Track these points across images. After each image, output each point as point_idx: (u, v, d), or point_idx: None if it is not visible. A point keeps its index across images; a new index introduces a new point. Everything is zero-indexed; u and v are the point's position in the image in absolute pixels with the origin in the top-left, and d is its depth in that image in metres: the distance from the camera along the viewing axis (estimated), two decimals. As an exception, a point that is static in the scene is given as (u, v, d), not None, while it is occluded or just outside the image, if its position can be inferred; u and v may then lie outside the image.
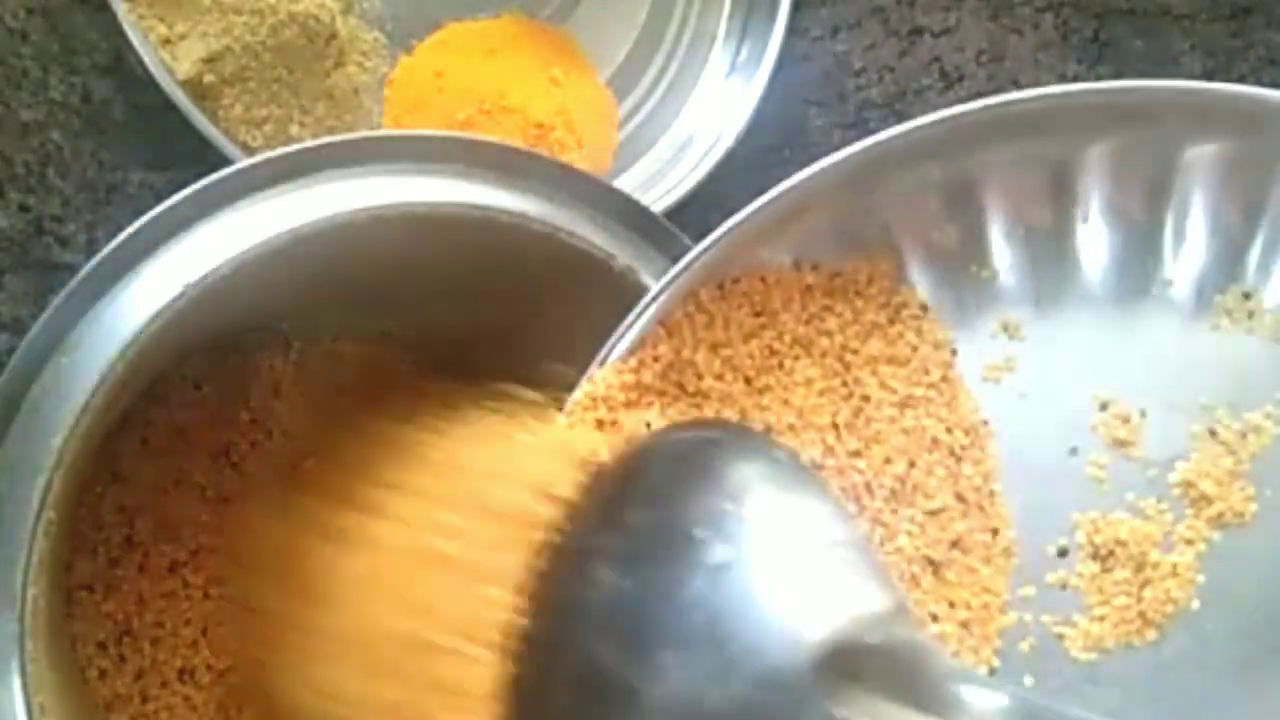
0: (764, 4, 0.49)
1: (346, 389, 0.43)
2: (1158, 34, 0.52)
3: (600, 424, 0.34)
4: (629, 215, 0.39)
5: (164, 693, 0.40)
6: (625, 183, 0.48)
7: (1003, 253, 0.36)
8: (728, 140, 0.48)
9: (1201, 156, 0.34)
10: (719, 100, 0.50)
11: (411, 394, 0.43)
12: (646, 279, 0.38)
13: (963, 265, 0.36)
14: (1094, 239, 0.35)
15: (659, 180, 0.48)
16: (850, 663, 0.28)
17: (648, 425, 0.34)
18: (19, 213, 0.42)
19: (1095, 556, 0.34)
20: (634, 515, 0.32)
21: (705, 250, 0.34)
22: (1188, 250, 0.35)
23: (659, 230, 0.39)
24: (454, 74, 0.46)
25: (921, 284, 0.36)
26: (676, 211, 0.46)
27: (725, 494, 0.31)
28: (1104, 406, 0.35)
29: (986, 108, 0.34)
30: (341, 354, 0.43)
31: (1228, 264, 0.35)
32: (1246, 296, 0.35)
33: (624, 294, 0.38)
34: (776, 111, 0.49)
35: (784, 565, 0.30)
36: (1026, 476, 0.35)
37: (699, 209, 0.48)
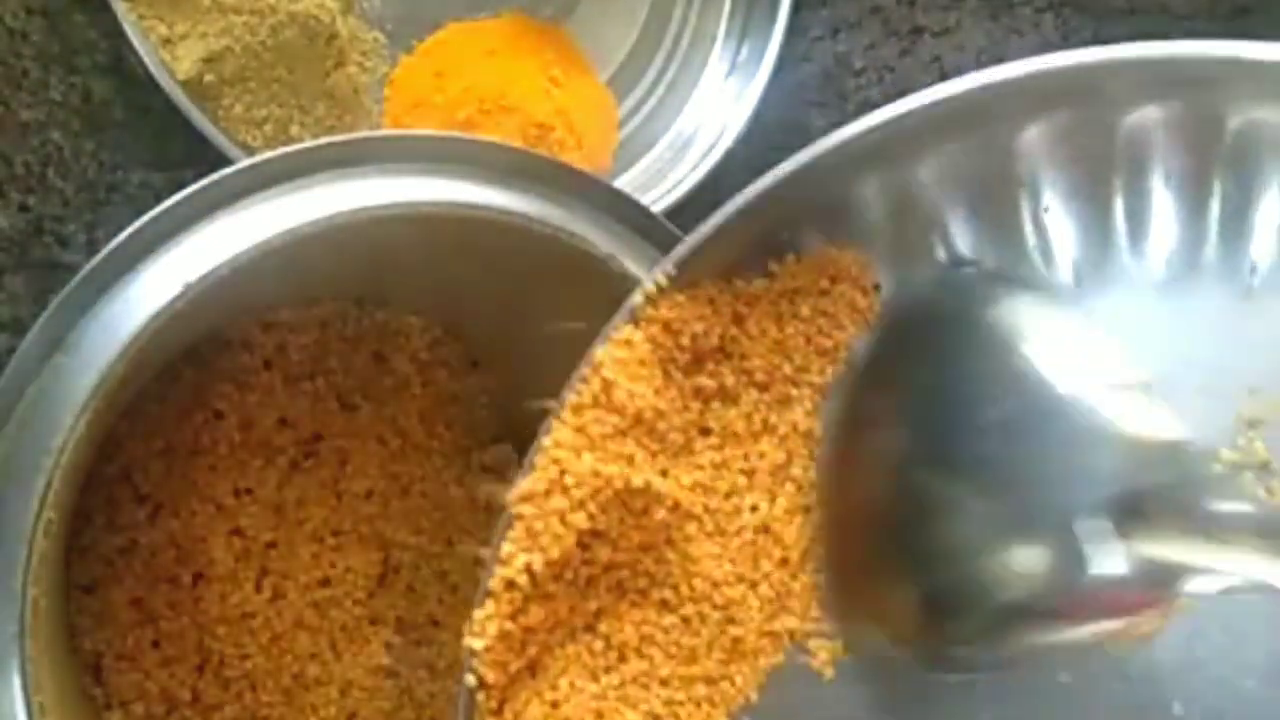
0: (764, 4, 0.49)
1: (345, 389, 0.43)
2: (1158, 34, 0.51)
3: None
4: (629, 215, 0.39)
5: (164, 693, 0.40)
6: (625, 183, 0.48)
7: (1044, 232, 0.35)
8: (728, 140, 0.48)
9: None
10: (719, 100, 0.50)
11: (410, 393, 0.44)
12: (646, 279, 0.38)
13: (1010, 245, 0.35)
14: (1143, 214, 0.35)
15: (659, 180, 0.48)
16: (1143, 502, 0.30)
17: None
18: (19, 213, 0.42)
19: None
20: (916, 376, 0.34)
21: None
22: (1226, 225, 0.34)
23: (659, 230, 0.39)
24: (454, 74, 0.46)
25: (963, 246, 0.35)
26: (676, 211, 0.46)
27: (1000, 346, 0.33)
28: (1146, 390, 0.33)
29: (1030, 74, 0.33)
30: (341, 354, 0.43)
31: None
32: None
33: (624, 294, 0.38)
34: (776, 111, 0.49)
35: (1069, 413, 0.31)
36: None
37: (699, 209, 0.48)
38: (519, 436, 0.45)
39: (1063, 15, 0.51)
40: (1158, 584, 0.31)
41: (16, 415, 0.34)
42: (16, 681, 0.33)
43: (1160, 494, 0.31)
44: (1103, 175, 0.34)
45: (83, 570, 0.39)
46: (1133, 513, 0.30)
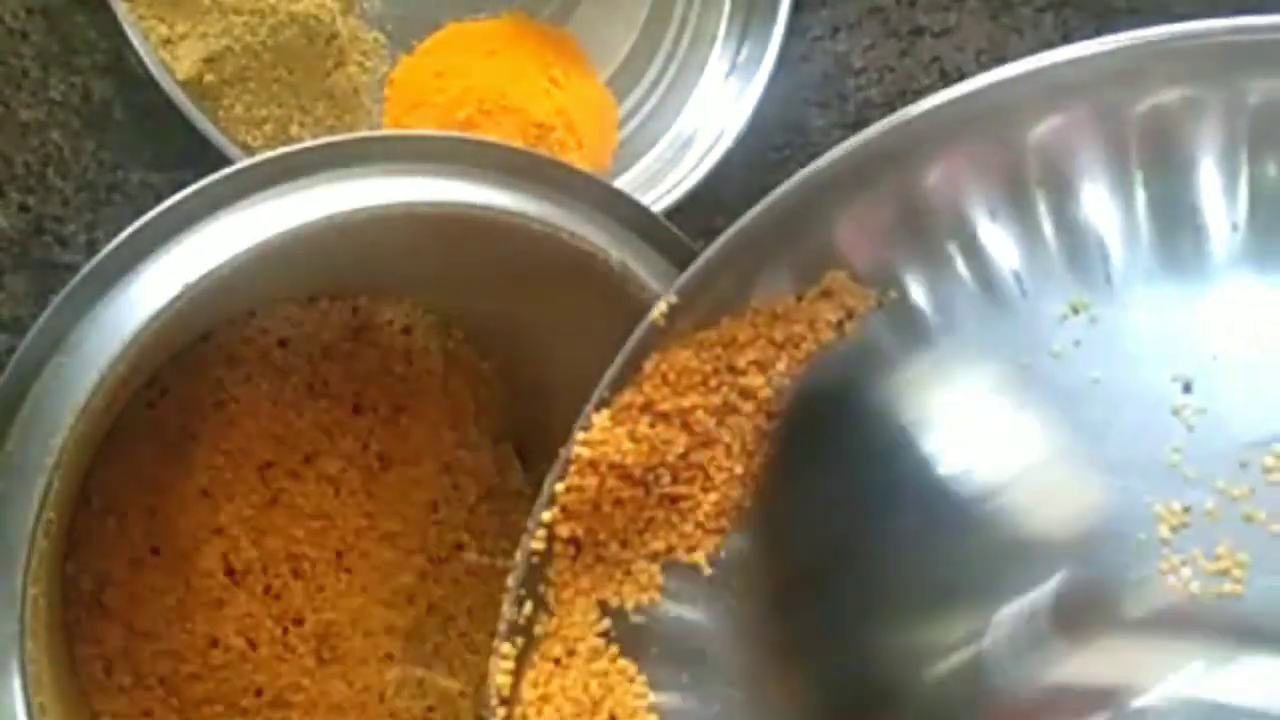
0: (764, 4, 0.49)
1: (345, 389, 0.43)
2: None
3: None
4: (629, 215, 0.39)
5: (164, 693, 0.40)
6: (625, 183, 0.48)
7: (1064, 228, 0.34)
8: (728, 140, 0.48)
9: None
10: (719, 100, 0.50)
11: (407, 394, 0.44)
12: (646, 280, 0.38)
13: (1031, 241, 0.34)
14: (1159, 208, 0.34)
15: (659, 180, 0.48)
16: (1062, 609, 0.32)
17: None
18: (19, 213, 0.42)
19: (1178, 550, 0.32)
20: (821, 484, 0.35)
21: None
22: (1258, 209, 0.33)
23: (659, 230, 0.39)
24: (454, 74, 0.46)
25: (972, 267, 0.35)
26: (676, 211, 0.46)
27: (899, 449, 0.34)
28: (1187, 388, 0.32)
29: (1035, 70, 0.33)
30: (341, 353, 0.43)
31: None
32: None
33: (624, 294, 0.38)
34: (776, 111, 0.49)
35: (976, 522, 0.33)
36: (1104, 464, 0.33)
37: (699, 209, 0.48)
38: (520, 436, 0.45)
39: (1063, 15, 0.51)
40: (1088, 695, 0.31)
41: (17, 415, 0.34)
42: (16, 681, 0.33)
43: (1077, 597, 0.30)
44: (1124, 158, 0.33)
45: (83, 570, 0.39)
46: (1054, 618, 0.30)
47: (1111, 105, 0.33)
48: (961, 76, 0.50)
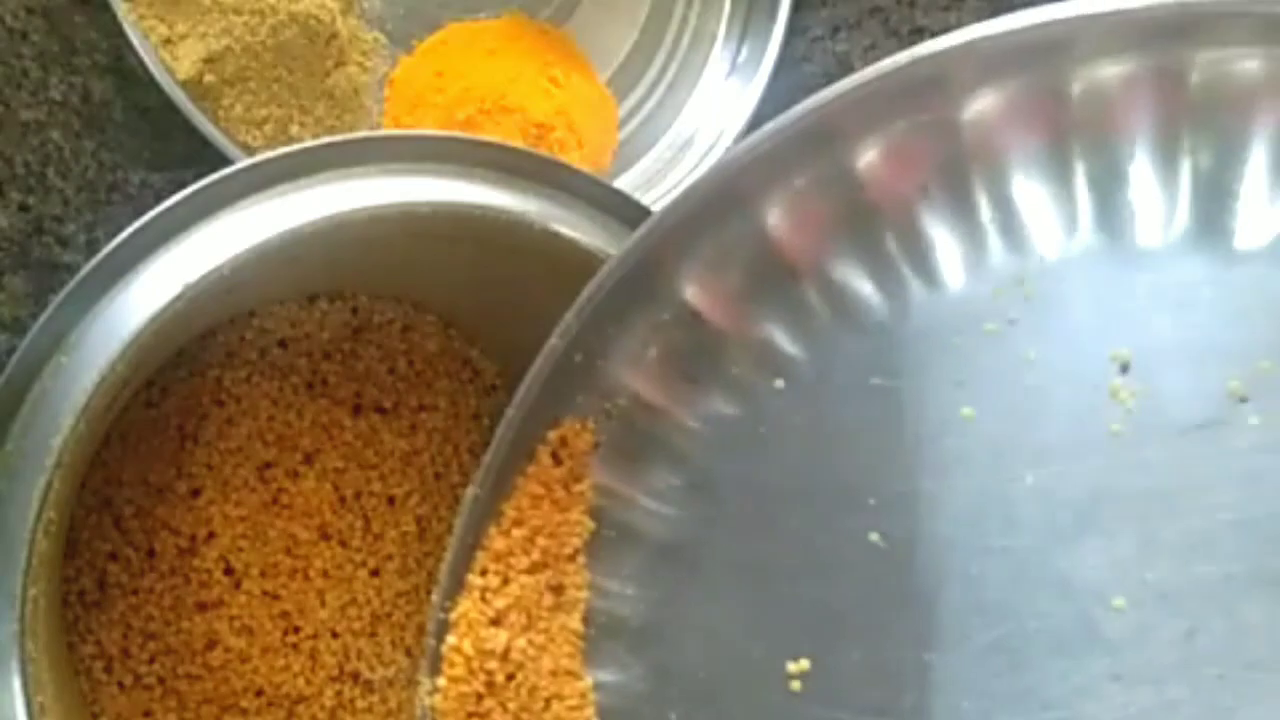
0: (764, 4, 0.49)
1: (345, 389, 0.43)
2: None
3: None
4: (629, 215, 0.39)
5: (163, 692, 0.40)
6: (625, 183, 0.48)
7: (1000, 206, 0.34)
8: (728, 140, 0.48)
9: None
10: (719, 100, 0.50)
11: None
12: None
13: (963, 218, 0.34)
14: (1110, 182, 0.33)
15: (659, 180, 0.48)
16: None
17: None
18: (19, 213, 0.42)
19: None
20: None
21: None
22: (1201, 188, 0.33)
23: (659, 230, 0.39)
24: (454, 74, 0.46)
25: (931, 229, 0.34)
26: (676, 211, 0.46)
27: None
28: (1124, 368, 0.32)
29: (966, 43, 0.32)
30: (341, 353, 0.43)
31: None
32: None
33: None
34: (776, 111, 0.49)
35: None
36: (1039, 447, 0.33)
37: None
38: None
39: (1063, 15, 0.51)
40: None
41: (17, 415, 0.34)
42: (16, 681, 0.33)
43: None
44: (1062, 142, 0.33)
45: (83, 570, 0.39)
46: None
47: (1048, 79, 0.32)
48: (961, 76, 0.51)
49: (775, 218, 0.34)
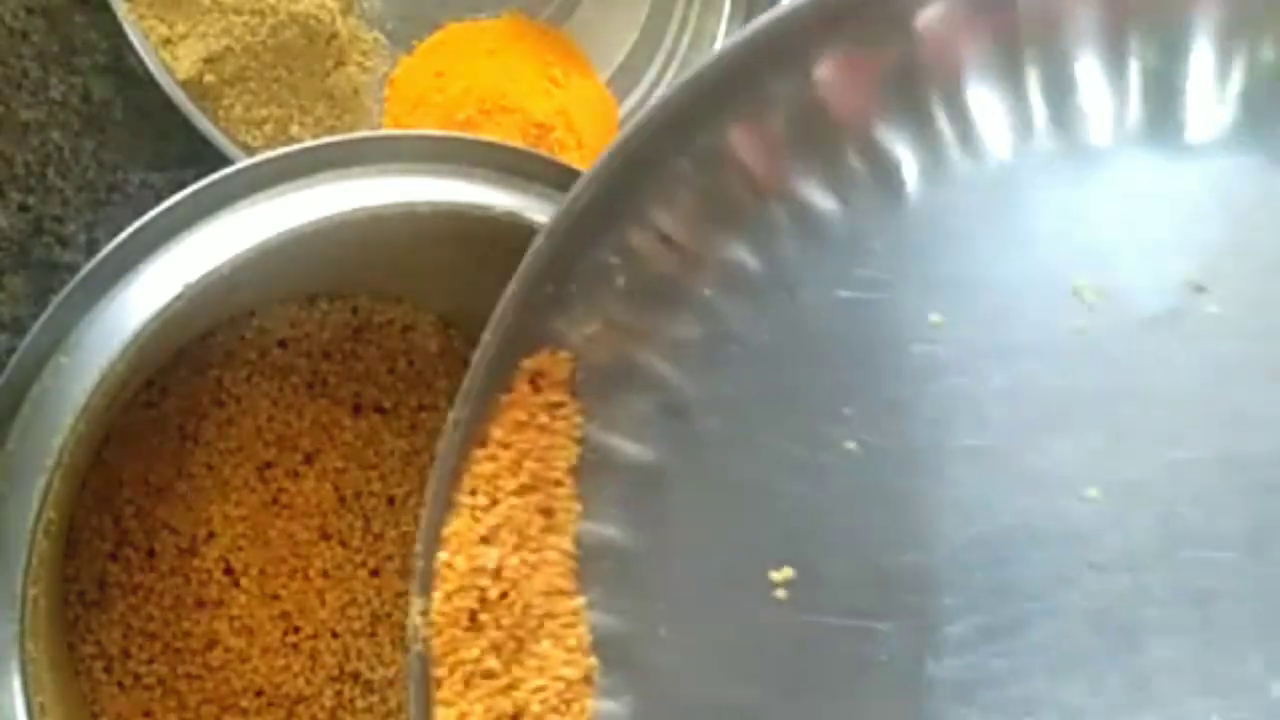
0: (764, 4, 0.49)
1: (345, 389, 0.43)
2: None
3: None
4: (629, 215, 0.39)
5: (163, 692, 0.40)
6: (625, 183, 0.48)
7: (956, 118, 0.34)
8: (728, 140, 0.48)
9: None
10: (719, 100, 0.50)
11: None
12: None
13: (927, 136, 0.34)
14: (1061, 84, 0.34)
15: (659, 180, 0.48)
16: None
17: None
18: (19, 213, 0.42)
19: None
20: None
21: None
22: (1151, 84, 0.34)
23: (659, 230, 0.39)
24: (454, 74, 0.46)
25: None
26: (676, 211, 0.46)
27: None
28: (1084, 266, 0.33)
29: None
30: (341, 354, 0.43)
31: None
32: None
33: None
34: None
35: None
36: (1006, 347, 0.33)
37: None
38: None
39: (1063, 15, 0.51)
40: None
41: (17, 415, 0.34)
42: (16, 681, 0.33)
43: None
44: (1013, 48, 0.34)
45: (83, 570, 0.39)
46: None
47: None
48: (961, 77, 0.50)
49: (739, 132, 0.34)
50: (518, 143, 0.44)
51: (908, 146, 0.34)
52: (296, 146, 0.37)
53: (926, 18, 0.33)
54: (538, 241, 0.34)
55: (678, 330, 0.35)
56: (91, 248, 0.42)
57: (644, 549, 0.35)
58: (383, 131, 0.46)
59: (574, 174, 0.39)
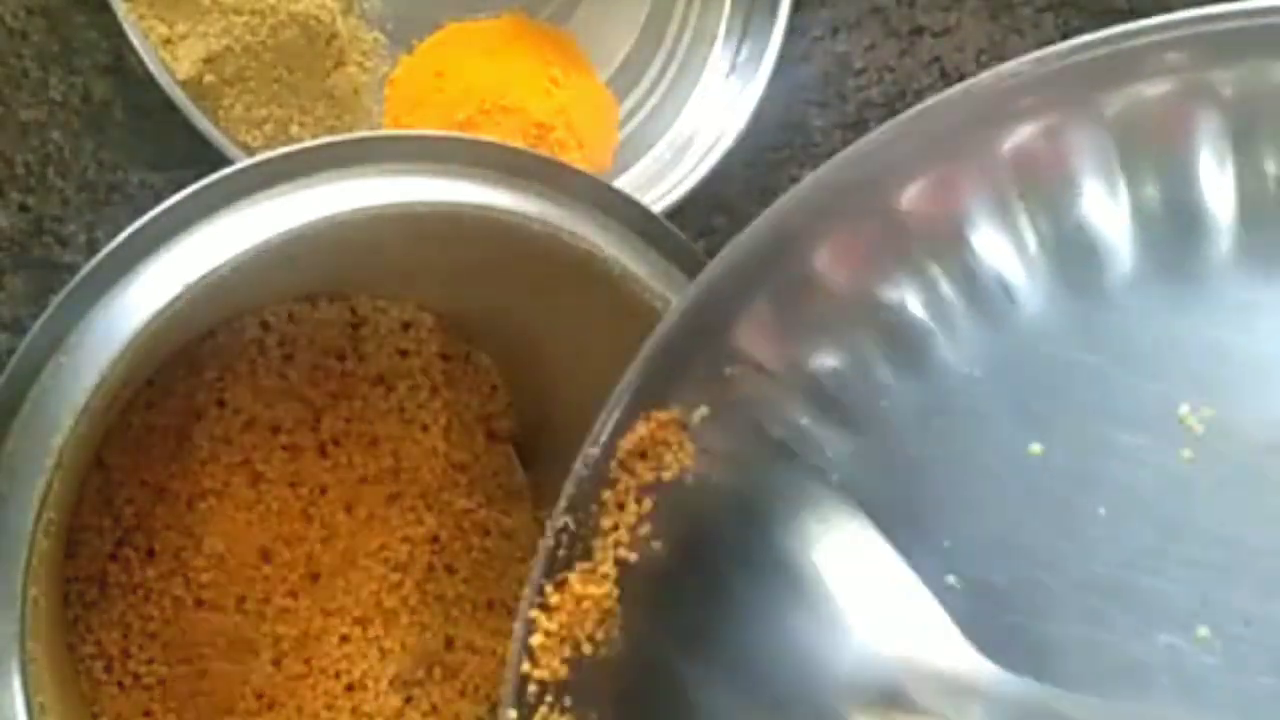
0: (764, 4, 0.49)
1: (345, 389, 0.43)
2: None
3: None
4: (629, 215, 0.39)
5: (163, 693, 0.40)
6: (625, 183, 0.48)
7: (1049, 239, 0.34)
8: (728, 140, 0.48)
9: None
10: (719, 100, 0.50)
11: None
12: (646, 280, 0.38)
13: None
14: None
15: (659, 180, 0.48)
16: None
17: None
18: (19, 213, 0.42)
19: None
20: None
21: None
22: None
23: (659, 230, 0.39)
24: (454, 74, 0.46)
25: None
26: (676, 211, 0.46)
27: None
28: (1192, 392, 0.32)
29: (1000, 75, 0.32)
30: (341, 354, 0.43)
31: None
32: None
33: (624, 294, 0.38)
34: (776, 111, 0.49)
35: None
36: (1110, 478, 0.32)
37: (699, 209, 0.48)
38: (520, 436, 0.45)
39: (1063, 15, 0.51)
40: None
41: (17, 415, 0.34)
42: (16, 681, 0.33)
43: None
44: (1112, 168, 0.33)
45: (82, 570, 0.39)
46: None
47: (1088, 107, 0.32)
48: (962, 77, 0.50)
49: (823, 258, 0.34)
50: (518, 143, 0.44)
51: (1004, 270, 0.34)
52: (296, 146, 0.37)
53: (1021, 135, 0.33)
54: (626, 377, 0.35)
55: (773, 461, 0.35)
56: (91, 248, 0.42)
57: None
58: (383, 131, 0.46)
59: (574, 174, 0.39)
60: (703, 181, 0.47)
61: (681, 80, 0.51)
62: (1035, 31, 0.51)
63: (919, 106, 0.33)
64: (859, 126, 0.50)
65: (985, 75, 0.32)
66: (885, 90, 0.50)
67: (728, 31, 0.50)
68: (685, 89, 0.50)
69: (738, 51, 0.50)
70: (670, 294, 0.38)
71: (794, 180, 0.49)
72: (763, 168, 0.49)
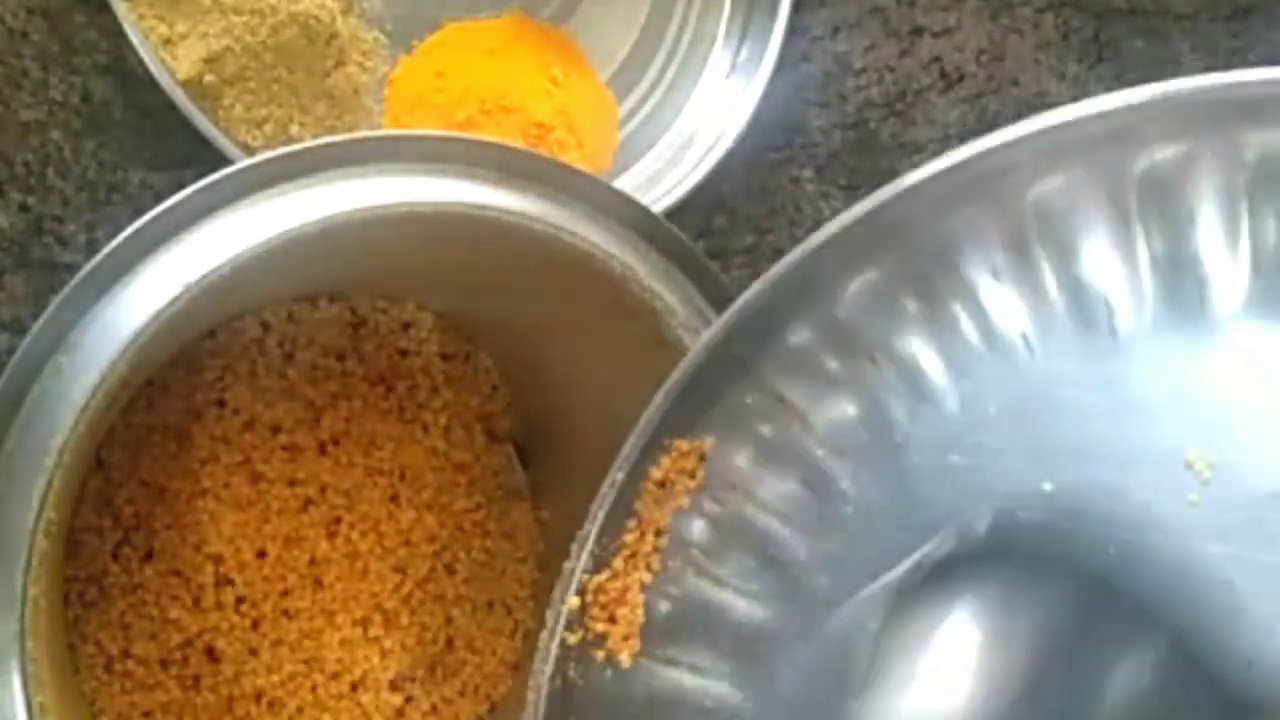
0: (764, 4, 0.49)
1: (345, 389, 0.43)
2: (1158, 34, 0.52)
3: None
4: (629, 215, 0.39)
5: (164, 693, 0.40)
6: (625, 183, 0.48)
7: (1067, 286, 0.34)
8: (728, 140, 0.48)
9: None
10: (719, 100, 0.50)
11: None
12: (646, 280, 0.38)
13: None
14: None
15: (659, 180, 0.48)
16: None
17: None
18: (19, 213, 0.42)
19: None
20: None
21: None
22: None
23: (659, 230, 0.39)
24: (454, 74, 0.46)
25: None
26: (676, 211, 0.46)
27: None
28: (1200, 440, 0.32)
29: (1029, 134, 0.33)
30: (341, 354, 0.43)
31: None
32: None
33: (624, 294, 0.38)
34: (776, 111, 0.49)
35: None
36: (1118, 519, 0.32)
37: (699, 209, 0.48)
38: (520, 436, 0.45)
39: (1063, 15, 0.51)
40: None
41: (17, 415, 0.34)
42: (16, 681, 0.33)
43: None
44: (1127, 214, 0.33)
45: (83, 570, 0.39)
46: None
47: (1108, 164, 0.33)
48: (961, 77, 0.51)
49: (846, 303, 0.35)
50: (518, 143, 0.44)
51: (1020, 314, 0.34)
52: (296, 146, 0.37)
53: (1044, 188, 0.33)
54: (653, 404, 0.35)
55: (785, 489, 0.35)
56: (91, 248, 0.42)
57: (750, 706, 0.34)
58: (383, 131, 0.46)
59: (574, 174, 0.39)
60: (703, 181, 0.47)
61: (681, 80, 0.51)
62: (1035, 31, 0.51)
63: (928, 169, 0.34)
64: (859, 126, 0.50)
65: (989, 139, 0.33)
66: (885, 90, 0.50)
67: (728, 31, 0.50)
68: (685, 89, 0.50)
69: (738, 51, 0.50)
70: (670, 294, 0.38)
71: (794, 180, 0.49)
72: (763, 168, 0.49)
